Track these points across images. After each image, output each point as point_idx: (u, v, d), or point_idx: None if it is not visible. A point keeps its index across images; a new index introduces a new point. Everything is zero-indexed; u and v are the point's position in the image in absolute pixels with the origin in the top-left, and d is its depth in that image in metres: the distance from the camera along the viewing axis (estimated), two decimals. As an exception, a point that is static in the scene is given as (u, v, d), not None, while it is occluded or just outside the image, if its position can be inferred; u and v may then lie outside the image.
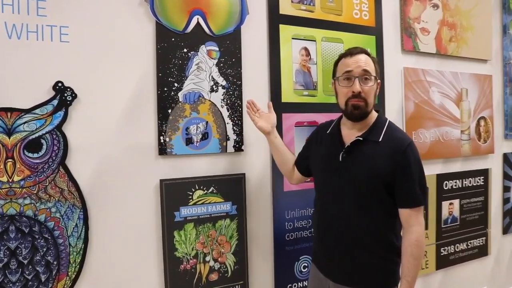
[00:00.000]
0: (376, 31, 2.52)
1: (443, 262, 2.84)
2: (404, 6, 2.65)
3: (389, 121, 1.70)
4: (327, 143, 1.76)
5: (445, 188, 2.83)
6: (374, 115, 1.70)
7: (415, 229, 1.58)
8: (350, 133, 1.69)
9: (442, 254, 2.82)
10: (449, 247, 2.85)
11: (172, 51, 1.91)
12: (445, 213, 2.83)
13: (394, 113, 2.60)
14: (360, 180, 1.60)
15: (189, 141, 1.95)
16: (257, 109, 1.92)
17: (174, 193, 1.91)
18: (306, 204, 2.24)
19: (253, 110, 1.92)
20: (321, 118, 2.22)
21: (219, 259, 2.01)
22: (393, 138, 1.62)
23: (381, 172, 1.57)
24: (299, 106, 2.24)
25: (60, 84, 1.71)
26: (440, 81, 2.79)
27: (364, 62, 1.62)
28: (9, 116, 1.64)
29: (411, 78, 2.66)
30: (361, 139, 1.63)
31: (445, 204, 2.84)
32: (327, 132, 1.79)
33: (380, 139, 1.62)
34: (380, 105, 2.48)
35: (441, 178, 2.82)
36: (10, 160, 1.65)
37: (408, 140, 1.62)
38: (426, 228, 2.72)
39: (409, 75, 2.65)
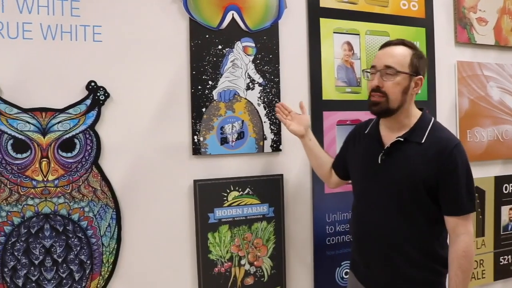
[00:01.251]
0: (426, 22, 2.36)
1: (502, 272, 2.64)
2: (458, -5, 2.47)
3: (435, 120, 1.57)
4: (365, 144, 1.65)
5: (504, 192, 2.63)
6: (416, 113, 1.56)
7: (463, 239, 1.44)
8: (390, 133, 1.57)
9: (501, 263, 2.62)
10: (509, 256, 2.64)
11: (206, 48, 1.87)
12: (504, 219, 2.63)
13: (446, 110, 2.44)
14: (400, 185, 1.49)
15: (224, 141, 1.90)
16: (288, 112, 1.84)
17: (208, 194, 1.87)
18: (348, 207, 2.09)
19: (284, 113, 1.84)
20: (365, 116, 2.07)
21: (255, 262, 1.95)
22: (438, 139, 1.48)
23: (423, 176, 1.45)
24: (341, 103, 2.14)
25: (93, 84, 1.71)
26: (500, 75, 2.58)
27: (390, 55, 1.51)
28: (43, 116, 1.66)
29: (465, 72, 2.47)
30: (401, 140, 1.51)
31: (504, 209, 2.63)
32: (365, 132, 1.67)
33: (423, 140, 1.49)
34: (430, 103, 2.32)
35: (500, 180, 2.61)
36: (45, 159, 1.66)
37: (455, 141, 1.48)
38: (483, 234, 2.54)
39: (463, 69, 2.47)
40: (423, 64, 1.54)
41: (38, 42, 1.66)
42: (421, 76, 1.52)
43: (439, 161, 1.44)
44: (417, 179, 1.46)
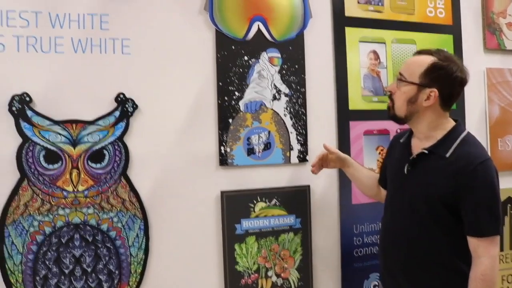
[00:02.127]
0: (453, 29, 2.32)
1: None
2: (486, 0, 2.41)
3: (467, 133, 1.49)
4: (397, 153, 1.62)
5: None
6: (447, 126, 1.49)
7: (483, 262, 1.36)
8: (418, 143, 1.53)
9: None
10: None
11: (232, 59, 1.88)
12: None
13: (476, 119, 2.38)
14: (418, 199, 1.45)
15: (250, 152, 1.90)
16: (320, 160, 1.81)
17: (235, 205, 1.87)
18: (376, 217, 2.08)
19: (319, 164, 1.81)
20: (393, 126, 2.07)
21: (282, 274, 1.93)
22: (465, 154, 1.41)
23: (441, 193, 1.40)
24: (368, 113, 2.11)
25: (121, 96, 1.74)
26: (531, 81, 2.51)
27: (407, 63, 1.50)
28: (74, 128, 1.69)
29: (495, 79, 2.42)
30: (426, 152, 1.47)
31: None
32: (401, 141, 1.64)
33: (448, 154, 1.42)
34: (459, 111, 2.27)
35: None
36: (75, 170, 1.69)
37: (482, 157, 1.40)
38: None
39: (493, 76, 2.42)
40: (443, 77, 1.43)
41: (69, 56, 1.70)
42: (433, 89, 1.43)
43: (459, 177, 1.37)
44: (434, 194, 1.41)
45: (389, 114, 1.55)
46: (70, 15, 1.71)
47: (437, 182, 1.41)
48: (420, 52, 1.52)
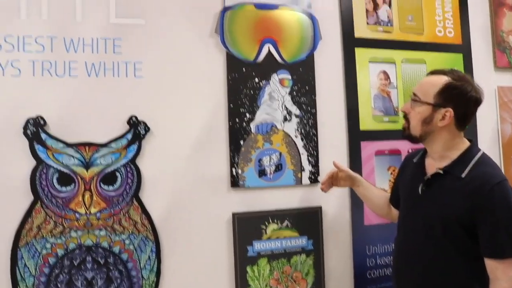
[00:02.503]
0: (463, 48, 2.32)
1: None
2: (495, 19, 2.42)
3: (482, 153, 1.47)
4: (411, 173, 1.60)
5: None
6: (462, 146, 1.48)
7: (501, 285, 1.33)
8: (432, 163, 1.52)
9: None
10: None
11: (243, 81, 1.90)
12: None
13: (488, 137, 2.36)
14: (433, 219, 1.43)
15: (262, 173, 1.90)
16: (330, 178, 1.80)
17: (247, 227, 1.86)
18: (389, 238, 2.05)
19: (329, 182, 1.81)
20: (404, 146, 2.07)
21: (294, 296, 1.91)
22: (480, 174, 1.39)
23: (457, 214, 1.37)
24: (379, 133, 2.11)
25: (134, 118, 1.76)
26: (543, 99, 2.50)
27: (421, 83, 1.50)
28: (87, 150, 1.70)
29: (506, 97, 2.41)
30: (441, 172, 1.45)
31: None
32: (414, 161, 1.62)
33: (464, 175, 1.40)
34: (471, 130, 2.24)
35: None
36: (88, 192, 1.70)
37: (499, 178, 1.38)
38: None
39: (504, 94, 2.41)
40: (458, 96, 1.43)
41: (83, 79, 1.73)
42: (448, 109, 1.42)
43: (476, 198, 1.35)
44: (451, 215, 1.39)
45: (404, 134, 1.55)
46: (84, 40, 1.74)
47: (453, 203, 1.39)
48: (433, 72, 1.51)
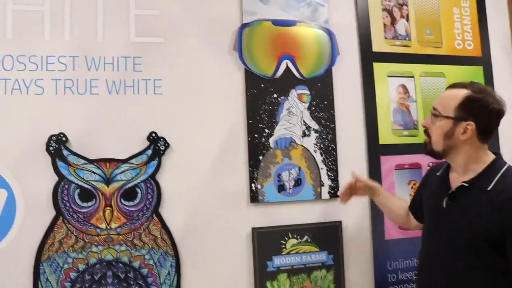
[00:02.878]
0: (483, 61, 2.29)
1: None
2: (515, 30, 2.40)
3: (508, 166, 1.43)
4: (434, 186, 1.57)
5: None
6: (487, 159, 1.44)
7: None
8: (457, 177, 1.48)
9: None
10: None
11: (262, 97, 1.91)
12: None
13: (511, 150, 2.31)
14: (459, 234, 1.39)
15: (281, 188, 1.90)
16: (348, 187, 1.79)
17: (266, 242, 1.85)
18: (411, 253, 2.04)
19: (347, 193, 1.80)
20: (424, 160, 2.05)
21: (314, 313, 1.89)
22: (508, 187, 1.35)
23: (484, 227, 1.33)
24: (398, 147, 2.09)
25: (154, 135, 1.78)
26: None
27: (441, 97, 1.48)
28: (108, 166, 1.73)
29: (529, 110, 2.36)
30: (466, 185, 1.42)
31: None
32: (437, 174, 1.59)
33: (490, 187, 1.37)
34: (493, 142, 2.20)
35: None
36: (109, 208, 1.72)
37: None
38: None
39: (527, 106, 2.36)
40: (479, 109, 1.40)
41: (104, 97, 1.77)
42: (470, 122, 1.39)
43: (504, 211, 1.31)
44: (478, 230, 1.35)
45: (425, 149, 1.52)
46: (105, 58, 1.79)
47: (480, 216, 1.35)
48: (453, 86, 1.49)
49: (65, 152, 1.70)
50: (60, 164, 1.70)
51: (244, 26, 1.92)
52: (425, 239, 1.57)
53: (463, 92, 1.42)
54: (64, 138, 1.70)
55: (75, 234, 1.68)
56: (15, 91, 1.70)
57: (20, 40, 1.73)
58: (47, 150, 1.69)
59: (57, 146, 1.69)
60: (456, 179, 1.48)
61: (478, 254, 1.37)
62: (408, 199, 2.04)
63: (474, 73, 2.26)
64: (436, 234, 1.49)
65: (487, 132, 1.44)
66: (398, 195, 2.03)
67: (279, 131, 1.91)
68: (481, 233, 1.34)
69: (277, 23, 1.96)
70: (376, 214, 1.98)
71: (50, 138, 1.69)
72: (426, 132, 1.51)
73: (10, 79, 1.70)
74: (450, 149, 1.45)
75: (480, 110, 1.40)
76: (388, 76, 2.11)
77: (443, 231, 1.45)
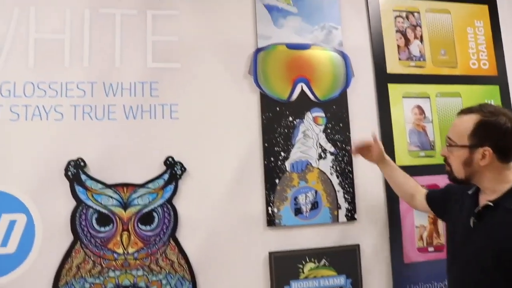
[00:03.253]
0: (499, 80, 2.27)
1: None
2: (531, 49, 2.38)
3: None
4: (464, 204, 1.54)
5: None
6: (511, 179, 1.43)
7: None
8: (485, 197, 1.45)
9: None
10: None
11: (277, 120, 1.92)
12: None
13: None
14: (486, 254, 1.36)
15: (298, 211, 1.89)
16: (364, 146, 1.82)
17: (283, 266, 1.84)
18: (430, 277, 2.01)
19: (358, 150, 1.83)
20: (442, 180, 1.99)
21: (333, 339, 1.86)
22: None
23: (510, 247, 1.31)
24: (415, 168, 2.06)
25: (170, 159, 1.79)
26: None
27: (454, 125, 1.46)
28: (125, 191, 1.74)
29: (548, 129, 2.33)
30: (491, 204, 1.39)
31: None
32: (469, 192, 1.54)
33: None
34: (511, 162, 2.19)
35: None
36: (126, 232, 1.73)
37: None
38: None
39: (545, 126, 2.33)
40: (493, 133, 1.38)
41: (121, 122, 1.80)
42: (486, 148, 1.36)
43: None
44: (504, 248, 1.32)
45: (449, 178, 1.51)
46: (123, 84, 1.82)
47: (506, 236, 1.33)
48: (463, 112, 1.46)
49: (83, 177, 1.72)
50: (78, 188, 1.71)
51: (259, 50, 1.94)
52: (451, 259, 1.54)
53: (474, 118, 1.40)
54: (82, 163, 1.72)
55: (92, 259, 1.69)
56: (35, 117, 1.74)
57: (41, 68, 1.77)
58: (66, 175, 1.71)
59: (75, 171, 1.71)
60: (484, 199, 1.45)
61: (505, 275, 1.33)
62: (427, 221, 2.03)
63: (491, 93, 2.24)
64: (463, 253, 1.46)
65: (507, 152, 1.41)
66: (417, 217, 2.01)
67: (295, 154, 1.91)
68: (508, 253, 1.31)
69: (291, 46, 1.98)
70: (395, 237, 1.95)
71: (68, 163, 1.71)
72: (446, 161, 1.50)
73: (31, 105, 1.74)
74: (472, 176, 1.43)
75: (494, 134, 1.38)
76: (403, 97, 2.11)
77: (470, 251, 1.42)
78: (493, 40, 2.31)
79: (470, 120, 1.40)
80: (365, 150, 1.82)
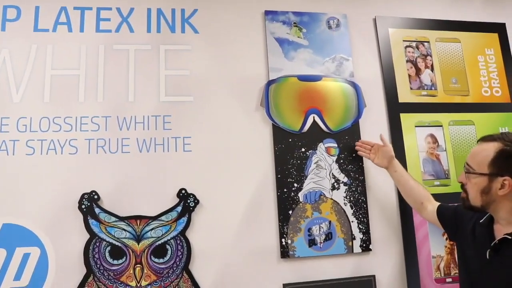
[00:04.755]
0: (512, 107, 2.26)
1: None
2: (543, 75, 2.36)
3: None
4: (477, 233, 1.50)
5: None
6: None
7: None
8: (501, 228, 1.42)
9: None
10: None
11: (290, 152, 1.92)
12: None
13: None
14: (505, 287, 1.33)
15: (312, 243, 1.87)
16: (370, 146, 1.88)
17: (298, 299, 1.80)
18: (448, 309, 1.96)
19: (366, 148, 1.89)
20: (458, 210, 1.98)
21: None
22: None
23: None
24: (431, 197, 2.04)
25: (183, 191, 1.80)
26: None
27: (474, 152, 1.43)
28: (138, 224, 1.74)
29: None
30: (509, 238, 1.36)
31: None
32: (480, 221, 1.51)
33: None
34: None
35: None
36: (139, 265, 1.71)
37: None
38: None
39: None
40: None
41: (134, 155, 1.81)
42: (506, 177, 1.34)
43: None
44: None
45: (464, 205, 1.48)
46: (136, 118, 1.84)
47: None
48: (484, 139, 1.45)
49: (96, 210, 1.72)
50: (91, 222, 1.72)
51: (270, 82, 1.96)
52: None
53: (495, 146, 1.38)
54: (96, 196, 1.73)
55: (105, 292, 1.68)
56: (50, 151, 1.76)
57: (56, 103, 1.81)
58: (79, 208, 1.72)
59: (89, 204, 1.72)
60: (500, 230, 1.41)
61: None
62: (444, 250, 1.99)
63: (505, 120, 2.22)
64: (480, 285, 1.42)
65: None
66: (433, 247, 1.97)
67: (308, 185, 1.91)
68: None
69: (302, 78, 2.00)
70: (411, 268, 1.92)
71: (82, 196, 1.73)
72: (463, 187, 1.47)
73: (46, 139, 1.77)
74: (489, 205, 1.41)
75: None
76: (416, 126, 2.10)
77: (487, 283, 1.39)
78: (505, 67, 2.30)
79: (491, 148, 1.38)
80: (373, 152, 1.87)
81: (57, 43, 1.86)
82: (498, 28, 2.34)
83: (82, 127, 1.80)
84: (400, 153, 2.03)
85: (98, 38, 1.89)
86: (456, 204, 1.66)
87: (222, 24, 2.01)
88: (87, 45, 1.88)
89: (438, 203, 1.75)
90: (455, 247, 1.64)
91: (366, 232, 1.93)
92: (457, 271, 1.94)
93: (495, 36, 2.33)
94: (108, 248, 1.71)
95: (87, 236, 1.70)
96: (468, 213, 1.60)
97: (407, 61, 2.17)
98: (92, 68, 1.85)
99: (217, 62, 1.96)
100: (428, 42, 2.23)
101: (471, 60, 2.26)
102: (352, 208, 1.93)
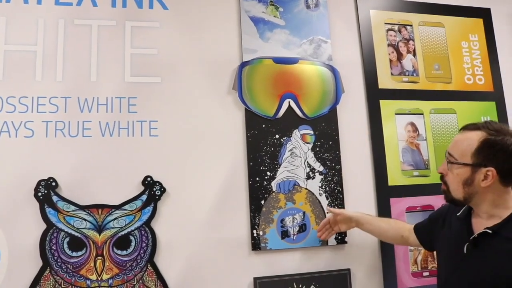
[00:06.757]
0: (495, 96, 2.22)
1: None
2: (527, 64, 2.33)
3: None
4: (454, 228, 1.47)
5: None
6: None
7: None
8: (480, 221, 1.38)
9: None
10: None
11: (263, 138, 1.85)
12: None
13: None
14: (482, 283, 1.29)
15: (285, 234, 1.82)
16: (328, 224, 1.78)
17: (269, 293, 1.75)
18: (425, 303, 1.93)
19: (327, 229, 1.79)
20: (437, 201, 1.95)
21: None
22: None
23: (509, 277, 1.23)
24: (409, 188, 2.00)
25: (149, 179, 1.72)
26: None
27: (456, 141, 1.38)
28: (100, 213, 1.66)
29: (546, 147, 2.26)
30: (489, 232, 1.31)
31: None
32: (458, 215, 1.48)
33: None
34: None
35: None
36: (100, 257, 1.64)
37: None
38: None
39: (543, 144, 2.26)
40: (499, 153, 1.31)
41: (96, 139, 1.72)
42: (490, 168, 1.30)
43: None
44: (502, 278, 1.25)
45: (446, 198, 1.43)
46: (99, 99, 1.74)
47: (503, 266, 1.26)
48: (467, 128, 1.40)
49: (54, 198, 1.63)
50: (48, 210, 1.62)
51: (244, 64, 1.88)
52: (442, 284, 1.47)
53: (479, 135, 1.33)
54: (53, 183, 1.64)
55: (63, 286, 1.59)
56: (3, 134, 1.65)
57: (10, 81, 1.69)
58: (35, 195, 1.62)
59: (46, 192, 1.63)
60: (479, 224, 1.38)
61: None
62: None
63: (487, 109, 2.19)
64: (455, 281, 1.39)
65: (510, 175, 1.33)
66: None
67: (282, 174, 1.85)
68: (505, 282, 1.24)
69: (278, 60, 1.92)
70: (388, 261, 1.88)
71: (38, 183, 1.63)
72: (443, 179, 1.42)
73: (-1, 121, 1.66)
74: (471, 197, 1.36)
75: (499, 154, 1.30)
76: (396, 114, 2.05)
77: (463, 278, 1.35)
78: (489, 54, 2.27)
79: (475, 137, 1.33)
80: (334, 226, 1.78)
81: (11, 15, 1.73)
82: (483, 13, 2.30)
83: (39, 108, 1.69)
84: (378, 142, 2.00)
85: (57, 11, 1.77)
86: (427, 217, 1.66)
87: (193, 0, 1.91)
88: (45, 19, 1.75)
89: (413, 225, 1.70)
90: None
91: (342, 223, 1.87)
92: (434, 265, 1.93)
93: (479, 22, 2.28)
94: (67, 239, 1.62)
95: (44, 226, 1.61)
96: (441, 213, 1.59)
97: (388, 45, 2.10)
98: (51, 44, 1.74)
99: (187, 40, 1.87)
100: (411, 25, 2.16)
101: (455, 46, 2.21)
102: (327, 199, 1.88)
